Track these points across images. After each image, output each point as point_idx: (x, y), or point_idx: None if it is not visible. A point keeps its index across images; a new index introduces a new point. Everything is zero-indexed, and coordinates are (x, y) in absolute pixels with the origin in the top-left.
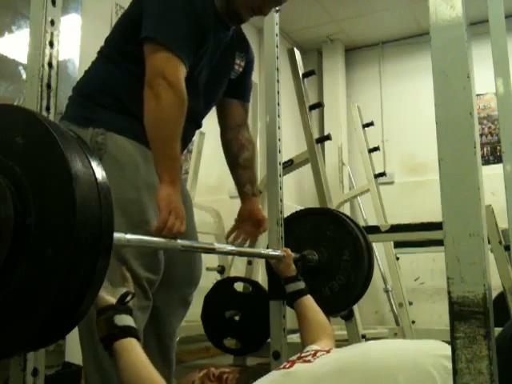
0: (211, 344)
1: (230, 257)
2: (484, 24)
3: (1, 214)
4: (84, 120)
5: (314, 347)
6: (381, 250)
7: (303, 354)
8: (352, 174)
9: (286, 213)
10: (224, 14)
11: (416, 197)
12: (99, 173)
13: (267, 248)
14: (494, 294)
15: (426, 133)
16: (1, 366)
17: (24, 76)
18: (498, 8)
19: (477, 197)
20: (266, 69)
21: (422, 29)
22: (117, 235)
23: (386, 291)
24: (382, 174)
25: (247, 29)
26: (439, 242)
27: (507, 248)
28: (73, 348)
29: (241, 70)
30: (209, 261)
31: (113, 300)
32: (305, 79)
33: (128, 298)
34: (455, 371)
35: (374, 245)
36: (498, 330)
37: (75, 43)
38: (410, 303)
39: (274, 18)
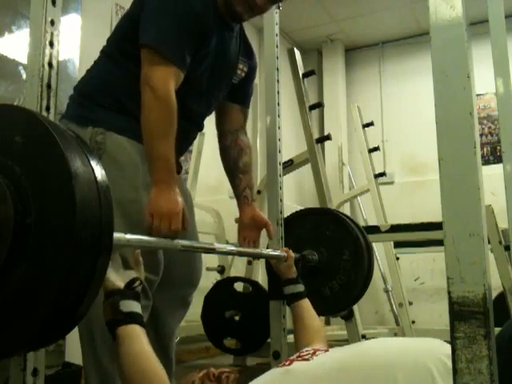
0: (211, 344)
1: (229, 257)
2: (484, 24)
3: (1, 213)
4: (83, 119)
5: (312, 347)
6: (381, 250)
7: (303, 353)
8: (352, 174)
9: (286, 213)
10: (225, 13)
11: (416, 197)
12: (99, 172)
13: (267, 248)
14: (494, 294)
15: (425, 133)
16: (1, 366)
17: (24, 76)
18: (498, 8)
19: (477, 197)
20: (266, 69)
21: (422, 29)
22: (116, 235)
23: (386, 291)
24: (382, 174)
25: (247, 29)
26: (439, 242)
27: (507, 248)
28: (73, 348)
29: (243, 74)
30: (209, 261)
31: (121, 284)
32: (305, 79)
33: (136, 284)
34: (455, 371)
35: (374, 245)
36: (497, 330)
37: (75, 43)
38: (410, 303)
39: (274, 18)
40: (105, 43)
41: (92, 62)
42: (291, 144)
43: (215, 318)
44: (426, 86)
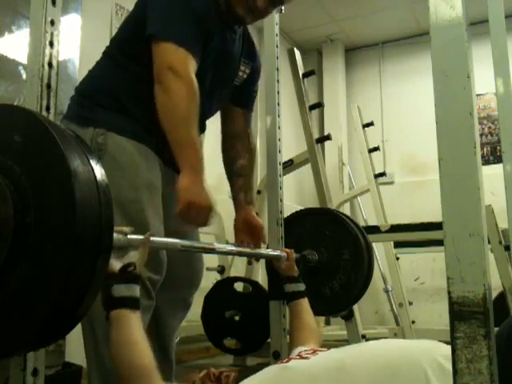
0: (211, 344)
1: (229, 257)
2: (484, 24)
3: (1, 213)
4: (84, 120)
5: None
6: (381, 250)
7: (302, 353)
8: (352, 174)
9: (286, 213)
10: (227, 15)
11: (416, 197)
12: (98, 172)
13: (267, 248)
14: (494, 294)
15: (425, 133)
16: (1, 365)
17: (24, 76)
18: (498, 8)
19: (477, 197)
20: (266, 69)
21: (422, 29)
22: (117, 235)
23: (386, 291)
24: (382, 174)
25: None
26: (439, 242)
27: (507, 248)
28: (73, 348)
29: (244, 76)
30: (209, 261)
31: (118, 266)
32: (305, 79)
33: (130, 269)
34: (455, 371)
35: (374, 245)
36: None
37: (75, 43)
38: (410, 303)
39: (274, 18)
40: (105, 43)
41: (92, 62)
42: (291, 144)
43: (215, 318)
44: (426, 86)
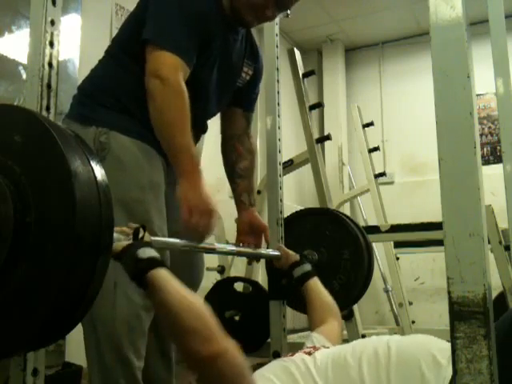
0: None
1: (229, 257)
2: (484, 24)
3: (1, 213)
4: (86, 119)
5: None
6: (381, 250)
7: (305, 348)
8: (352, 174)
9: (286, 213)
10: (231, 18)
11: (416, 197)
12: (98, 171)
13: (267, 248)
14: (494, 294)
15: (425, 133)
16: (1, 365)
17: (24, 76)
18: (498, 8)
19: (477, 197)
20: (266, 69)
21: (422, 29)
22: (117, 235)
23: (386, 291)
24: (382, 174)
25: None
26: (439, 242)
27: (507, 248)
28: (73, 348)
29: (248, 78)
30: (209, 261)
31: (127, 242)
32: (305, 79)
33: (141, 234)
34: (455, 371)
35: (374, 245)
36: None
37: (75, 43)
38: (410, 303)
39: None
40: (105, 43)
41: (92, 62)
42: (291, 144)
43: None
44: (426, 86)
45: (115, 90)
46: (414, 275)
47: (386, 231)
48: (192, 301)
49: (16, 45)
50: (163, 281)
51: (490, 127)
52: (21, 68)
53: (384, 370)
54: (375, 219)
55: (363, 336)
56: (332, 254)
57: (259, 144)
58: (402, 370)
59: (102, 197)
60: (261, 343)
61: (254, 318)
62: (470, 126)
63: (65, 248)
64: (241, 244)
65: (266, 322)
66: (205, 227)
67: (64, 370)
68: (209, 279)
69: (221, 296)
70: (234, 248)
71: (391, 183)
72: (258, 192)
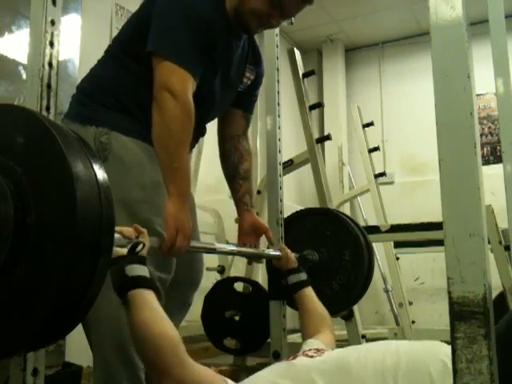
0: (211, 344)
1: (229, 257)
2: (484, 24)
3: (1, 213)
4: (86, 119)
5: (316, 342)
6: (381, 250)
7: (307, 351)
8: (352, 174)
9: (286, 213)
10: (235, 24)
11: (416, 197)
12: (99, 172)
13: (267, 248)
14: (494, 294)
15: (425, 133)
16: (1, 365)
17: (24, 76)
18: (498, 8)
19: (477, 197)
20: (266, 69)
21: (422, 29)
22: (117, 235)
23: (386, 291)
24: (382, 174)
25: None
26: (439, 242)
27: (507, 248)
28: (73, 348)
29: (249, 82)
30: (209, 261)
31: (125, 251)
32: (305, 79)
33: (139, 248)
34: (455, 371)
35: (374, 245)
36: None
37: (75, 43)
38: (410, 303)
39: None
40: (105, 43)
41: (92, 62)
42: (291, 144)
43: (215, 318)
44: (426, 86)
45: (115, 89)
46: (414, 275)
47: (386, 231)
48: (162, 328)
49: (16, 45)
50: (139, 304)
51: (490, 127)
52: (21, 68)
53: (391, 376)
54: (375, 219)
55: (363, 336)
56: (332, 254)
57: (259, 144)
58: (411, 375)
59: (103, 197)
60: (261, 343)
61: (254, 317)
62: (470, 126)
63: (65, 248)
64: (241, 244)
65: (266, 322)
66: (183, 248)
67: (64, 369)
68: (209, 279)
69: (221, 296)
70: (234, 248)
71: (391, 183)
72: (258, 192)
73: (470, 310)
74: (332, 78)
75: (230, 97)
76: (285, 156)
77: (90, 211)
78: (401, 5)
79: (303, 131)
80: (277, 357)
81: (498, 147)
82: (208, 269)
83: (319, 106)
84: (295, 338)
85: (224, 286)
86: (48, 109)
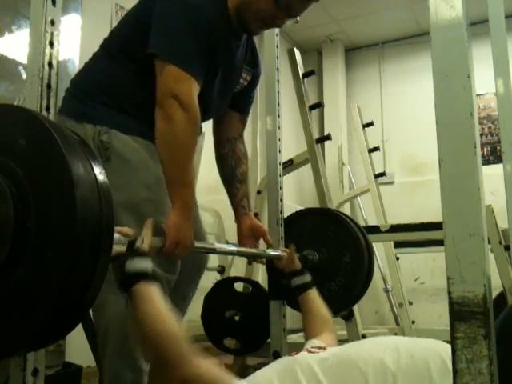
0: (211, 344)
1: (229, 257)
2: (484, 24)
3: (1, 213)
4: (83, 116)
5: (318, 342)
6: (381, 250)
7: (310, 348)
8: (352, 174)
9: (286, 213)
10: (237, 25)
11: (416, 197)
12: (99, 172)
13: (267, 248)
14: (494, 294)
15: (425, 133)
16: (1, 365)
17: (24, 76)
18: (498, 8)
19: (477, 197)
20: (266, 69)
21: (422, 29)
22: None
23: (386, 291)
24: (382, 174)
25: None
26: (439, 242)
27: (507, 248)
28: (73, 348)
29: (245, 83)
30: (209, 261)
31: (124, 249)
32: (305, 79)
33: (138, 243)
34: (455, 371)
35: (374, 245)
36: None
37: (75, 43)
38: (410, 303)
39: None
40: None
41: None
42: (291, 144)
43: (215, 318)
44: (425, 86)
45: (112, 88)
46: (414, 275)
47: (386, 231)
48: (165, 324)
49: (16, 45)
50: (142, 299)
51: (490, 127)
52: (21, 68)
53: (391, 372)
54: (375, 219)
55: (363, 336)
56: (332, 254)
57: (259, 144)
58: (411, 371)
59: (103, 197)
60: (261, 343)
61: (254, 317)
62: (470, 126)
63: (65, 248)
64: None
65: (266, 322)
66: (180, 258)
67: (64, 370)
68: (209, 279)
69: (221, 296)
70: (234, 248)
71: (391, 183)
72: (258, 192)
73: (469, 310)
74: (332, 78)
75: (227, 98)
76: (285, 156)
77: (89, 211)
78: (401, 5)
79: (303, 131)
80: (277, 357)
81: (498, 147)
82: (208, 269)
83: (319, 106)
84: (295, 338)
85: (224, 285)
86: (48, 109)
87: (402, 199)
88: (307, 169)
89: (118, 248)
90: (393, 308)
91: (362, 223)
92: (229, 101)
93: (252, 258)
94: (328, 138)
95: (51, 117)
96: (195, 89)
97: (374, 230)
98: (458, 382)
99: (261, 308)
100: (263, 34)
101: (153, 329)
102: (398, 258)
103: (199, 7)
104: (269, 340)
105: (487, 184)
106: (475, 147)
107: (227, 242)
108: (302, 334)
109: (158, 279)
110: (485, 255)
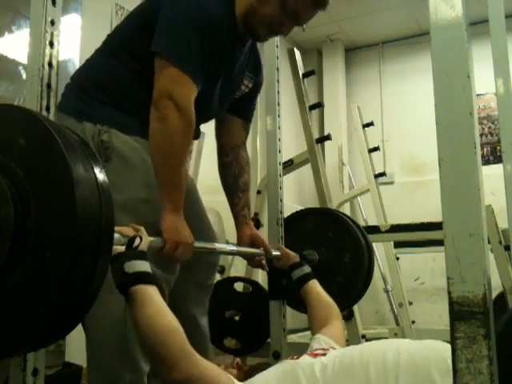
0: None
1: (229, 257)
2: (484, 24)
3: (1, 214)
4: (82, 114)
5: (323, 338)
6: (381, 250)
7: (313, 351)
8: (352, 174)
9: (286, 213)
10: (243, 31)
11: (416, 197)
12: (99, 172)
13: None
14: (494, 294)
15: (425, 133)
16: (1, 365)
17: (24, 76)
18: (498, 8)
19: (477, 197)
20: (266, 69)
21: (422, 29)
22: (117, 235)
23: (386, 291)
24: (382, 174)
25: None
26: (439, 242)
27: (507, 248)
28: (73, 348)
29: (246, 90)
30: None
31: (123, 249)
32: (305, 79)
33: (136, 243)
34: (455, 371)
35: (374, 245)
36: None
37: (75, 43)
38: (410, 303)
39: None
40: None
41: None
42: (291, 144)
43: (215, 318)
44: (425, 86)
45: (113, 86)
46: (414, 275)
47: (386, 231)
48: (164, 324)
49: (16, 45)
50: (140, 300)
51: (490, 127)
52: (21, 68)
53: (393, 374)
54: (375, 219)
55: (363, 336)
56: (332, 254)
57: (259, 144)
58: (412, 372)
59: (103, 198)
60: (261, 343)
61: (254, 317)
62: (470, 126)
63: (65, 248)
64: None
65: (266, 322)
66: (182, 259)
67: (64, 370)
68: None
69: (221, 296)
70: (234, 248)
71: (391, 183)
72: (258, 192)
73: (469, 310)
74: (332, 78)
75: (226, 103)
76: (285, 156)
77: (89, 212)
78: (401, 5)
79: (303, 131)
80: (277, 357)
81: (498, 147)
82: None
83: (319, 106)
84: (295, 338)
85: (224, 285)
86: (48, 109)
87: (402, 199)
88: (307, 169)
89: (118, 248)
90: (393, 308)
91: (362, 223)
92: (227, 106)
93: (254, 266)
94: (328, 138)
95: (51, 117)
96: (192, 92)
97: (374, 230)
98: (458, 381)
99: (261, 308)
100: None
101: (152, 329)
102: (397, 258)
103: (205, 10)
104: (269, 340)
105: (487, 184)
106: (475, 147)
107: (227, 242)
108: (301, 333)
109: (156, 280)
110: (485, 255)
